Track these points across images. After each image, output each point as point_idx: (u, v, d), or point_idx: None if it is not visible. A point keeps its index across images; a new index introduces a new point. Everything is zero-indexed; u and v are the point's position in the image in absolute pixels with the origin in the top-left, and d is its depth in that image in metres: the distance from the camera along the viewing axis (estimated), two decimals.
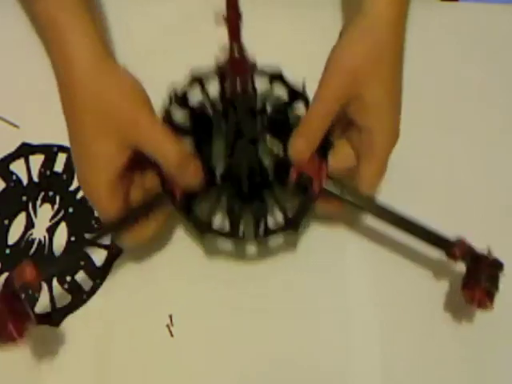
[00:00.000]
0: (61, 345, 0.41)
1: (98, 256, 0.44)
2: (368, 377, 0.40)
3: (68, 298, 0.43)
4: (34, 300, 0.42)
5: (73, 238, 0.45)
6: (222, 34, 0.34)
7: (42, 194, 0.47)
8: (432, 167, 0.47)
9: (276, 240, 0.44)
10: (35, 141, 0.49)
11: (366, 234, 0.45)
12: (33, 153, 0.49)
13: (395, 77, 0.39)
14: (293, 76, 0.45)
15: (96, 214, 0.45)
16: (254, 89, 0.42)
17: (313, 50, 0.43)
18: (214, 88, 0.44)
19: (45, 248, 0.45)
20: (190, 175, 0.39)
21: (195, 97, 0.45)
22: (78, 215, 0.46)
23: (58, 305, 0.42)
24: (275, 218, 0.43)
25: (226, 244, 0.44)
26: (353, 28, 0.39)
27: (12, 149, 0.49)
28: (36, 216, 0.46)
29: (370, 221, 0.44)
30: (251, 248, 0.44)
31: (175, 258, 0.44)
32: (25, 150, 0.49)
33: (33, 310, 0.35)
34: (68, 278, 0.43)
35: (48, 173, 0.48)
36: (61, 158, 0.48)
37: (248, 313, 0.42)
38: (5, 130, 0.50)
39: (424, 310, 0.42)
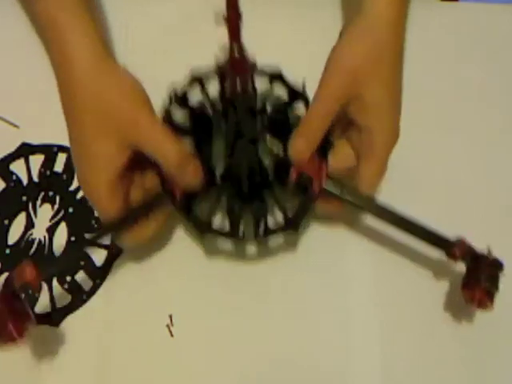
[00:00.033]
0: (61, 345, 0.41)
1: (98, 256, 0.44)
2: (368, 377, 0.40)
3: (68, 298, 0.43)
4: (34, 300, 0.42)
5: (73, 238, 0.45)
6: (222, 34, 0.34)
7: (42, 194, 0.47)
8: (432, 167, 0.47)
9: (276, 240, 0.44)
10: (35, 141, 0.49)
11: (366, 234, 0.45)
12: (33, 153, 0.49)
13: (395, 77, 0.39)
14: (293, 76, 0.45)
15: (96, 214, 0.45)
16: (254, 89, 0.42)
17: (313, 50, 0.43)
18: (213, 88, 0.44)
19: (45, 248, 0.45)
20: (189, 175, 0.39)
21: (195, 97, 0.45)
22: (78, 215, 0.46)
23: (58, 305, 0.42)
24: (275, 217, 0.43)
25: (226, 244, 0.44)
26: (353, 28, 0.39)
27: (12, 149, 0.49)
28: (36, 216, 0.46)
29: (370, 221, 0.44)
30: (251, 248, 0.44)
31: (175, 258, 0.44)
32: (25, 150, 0.49)
33: (33, 310, 0.35)
34: (68, 278, 0.43)
35: (48, 173, 0.48)
36: (61, 158, 0.48)
37: (248, 313, 0.42)
38: (5, 130, 0.50)
39: (424, 310, 0.42)
